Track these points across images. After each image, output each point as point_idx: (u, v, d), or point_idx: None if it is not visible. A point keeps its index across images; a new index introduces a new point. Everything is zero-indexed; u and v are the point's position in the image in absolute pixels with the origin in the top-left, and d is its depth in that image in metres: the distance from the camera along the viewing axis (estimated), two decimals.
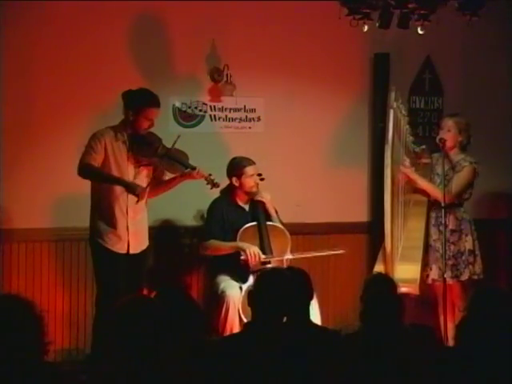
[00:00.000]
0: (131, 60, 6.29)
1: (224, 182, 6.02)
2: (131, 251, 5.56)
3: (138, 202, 5.51)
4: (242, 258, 5.78)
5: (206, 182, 5.73)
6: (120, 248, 5.53)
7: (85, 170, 5.45)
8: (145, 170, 5.61)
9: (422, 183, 6.09)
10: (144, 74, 6.28)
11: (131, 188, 5.50)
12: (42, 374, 2.95)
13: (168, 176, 5.76)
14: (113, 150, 5.50)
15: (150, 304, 3.26)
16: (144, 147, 5.56)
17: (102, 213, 5.53)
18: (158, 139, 5.63)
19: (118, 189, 5.50)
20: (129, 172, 5.55)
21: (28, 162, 6.10)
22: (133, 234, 5.56)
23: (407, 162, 6.07)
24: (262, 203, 6.02)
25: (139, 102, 5.50)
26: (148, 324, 3.12)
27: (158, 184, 5.71)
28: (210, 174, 5.72)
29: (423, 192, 6.17)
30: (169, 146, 5.60)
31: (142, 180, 5.59)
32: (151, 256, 6.28)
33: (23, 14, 6.03)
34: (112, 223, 5.50)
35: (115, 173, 5.51)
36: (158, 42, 6.39)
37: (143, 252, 5.66)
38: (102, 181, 5.51)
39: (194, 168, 5.64)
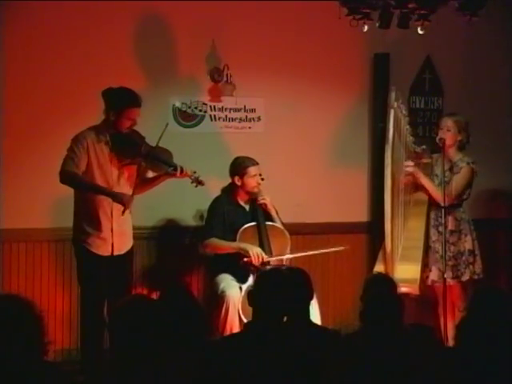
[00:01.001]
0: (131, 60, 6.29)
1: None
2: (115, 252, 5.50)
3: (123, 212, 5.41)
4: (246, 259, 5.77)
5: (190, 181, 5.66)
6: (104, 251, 5.46)
7: (67, 179, 5.36)
8: (128, 169, 5.51)
9: (426, 183, 6.08)
10: (144, 74, 6.28)
11: (118, 198, 5.41)
12: (42, 374, 2.95)
13: (152, 174, 5.67)
14: (95, 151, 5.41)
15: (151, 304, 3.26)
16: (126, 147, 5.45)
17: (86, 216, 5.45)
18: (141, 138, 5.53)
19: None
20: (112, 172, 5.46)
21: (28, 162, 6.10)
22: (117, 235, 5.49)
23: (410, 163, 6.04)
24: (264, 205, 6.02)
25: (120, 102, 5.40)
26: (148, 324, 3.12)
27: (141, 182, 5.58)
28: (195, 172, 5.64)
29: (425, 190, 6.16)
30: (155, 140, 5.50)
31: (126, 180, 5.50)
32: (152, 256, 6.29)
33: (23, 14, 6.03)
34: (96, 226, 5.43)
35: (98, 174, 5.41)
36: (157, 42, 6.39)
37: (128, 252, 5.60)
38: (85, 190, 5.42)
39: (176, 167, 5.53)
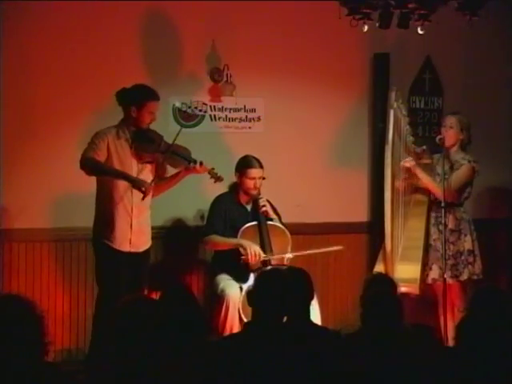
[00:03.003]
0: (131, 60, 6.29)
1: (228, 178, 6.02)
2: (133, 249, 5.55)
3: (144, 198, 5.50)
4: (243, 257, 5.77)
5: (209, 176, 5.73)
6: (124, 246, 5.53)
7: (88, 164, 5.43)
8: (148, 166, 5.61)
9: (424, 179, 6.08)
10: (144, 74, 6.27)
11: (137, 183, 5.49)
12: (42, 374, 2.95)
13: (170, 173, 5.75)
14: (115, 148, 5.50)
15: (151, 304, 3.27)
16: (146, 144, 5.57)
17: (107, 212, 5.52)
18: (160, 136, 5.64)
19: (123, 187, 5.49)
20: (133, 169, 5.55)
21: (28, 161, 6.10)
22: (136, 232, 5.56)
23: (408, 159, 6.04)
24: (265, 212, 6.00)
25: (141, 96, 5.52)
26: (148, 324, 3.12)
27: (161, 181, 5.70)
28: (213, 168, 5.73)
29: (424, 190, 6.16)
30: (170, 142, 5.60)
31: (146, 176, 5.59)
32: (152, 256, 6.29)
33: (23, 14, 6.03)
34: (116, 222, 5.49)
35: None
36: (158, 42, 6.39)
37: (145, 251, 5.66)
38: (105, 174, 5.49)
39: (196, 162, 5.65)
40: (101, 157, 5.46)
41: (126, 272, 5.48)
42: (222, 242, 5.92)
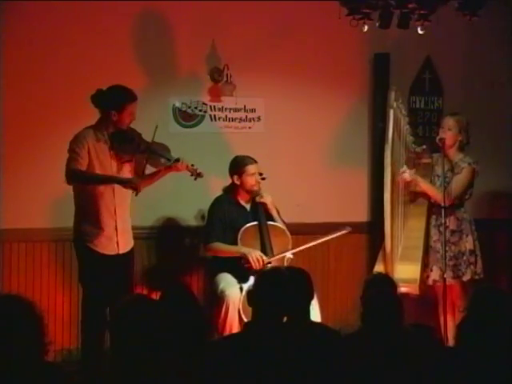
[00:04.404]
0: (131, 60, 6.29)
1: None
2: (121, 251, 5.52)
3: (137, 194, 5.44)
4: (247, 265, 5.76)
5: (190, 174, 5.67)
6: (111, 250, 5.48)
7: (74, 177, 5.37)
8: (127, 165, 5.55)
9: (424, 185, 6.07)
10: (144, 74, 6.28)
11: (128, 182, 5.44)
12: (42, 374, 2.95)
13: (149, 170, 5.67)
14: (95, 150, 5.43)
15: (151, 304, 3.26)
16: (125, 144, 5.50)
17: (89, 215, 5.45)
18: (138, 134, 5.56)
19: (103, 189, 5.44)
20: (112, 169, 5.49)
21: (28, 161, 6.10)
22: (121, 233, 5.52)
23: (406, 169, 5.98)
24: (264, 204, 6.02)
25: (120, 100, 5.43)
26: (148, 324, 3.12)
27: (140, 178, 5.60)
28: (193, 165, 5.65)
29: (424, 195, 6.15)
30: (148, 139, 5.52)
31: (126, 175, 5.52)
32: (152, 256, 6.29)
33: (23, 14, 6.03)
34: (100, 225, 5.44)
35: (99, 172, 5.43)
36: (158, 42, 6.39)
37: (131, 251, 5.63)
38: (94, 183, 5.42)
39: (176, 160, 5.59)
40: (83, 165, 5.37)
41: (113, 274, 5.42)
42: (224, 249, 5.91)
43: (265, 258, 5.79)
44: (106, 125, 5.47)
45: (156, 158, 5.58)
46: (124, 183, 5.44)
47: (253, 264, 5.73)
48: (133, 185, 5.43)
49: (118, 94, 5.45)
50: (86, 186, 5.43)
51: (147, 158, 5.54)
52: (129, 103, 5.44)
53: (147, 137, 5.52)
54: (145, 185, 5.62)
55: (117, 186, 5.45)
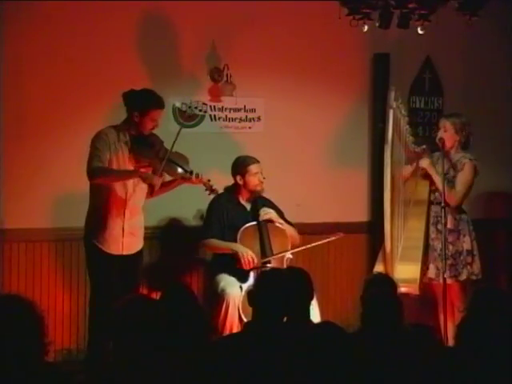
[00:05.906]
0: (131, 60, 6.29)
1: (214, 181, 5.94)
2: (125, 252, 5.53)
3: (154, 191, 5.50)
4: (238, 265, 5.77)
5: (204, 188, 5.72)
6: (115, 249, 5.50)
7: (96, 174, 5.38)
8: (144, 170, 5.57)
9: (437, 179, 6.05)
10: (144, 74, 6.28)
11: (147, 177, 5.47)
12: (42, 374, 2.95)
13: (166, 178, 5.72)
14: (115, 149, 5.46)
15: (151, 304, 3.27)
16: (145, 149, 5.54)
17: (99, 214, 5.49)
18: (160, 141, 5.61)
19: (118, 190, 5.47)
20: None
21: (28, 161, 6.10)
22: (127, 234, 5.53)
23: (407, 168, 6.05)
24: (270, 220, 6.00)
25: (145, 103, 5.47)
26: (148, 324, 3.12)
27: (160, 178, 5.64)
28: (209, 180, 5.71)
29: (425, 190, 6.13)
30: (169, 146, 5.58)
31: (141, 182, 5.55)
32: (152, 255, 6.29)
33: (24, 14, 6.03)
34: (107, 224, 5.47)
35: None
36: (158, 42, 6.39)
37: (138, 252, 5.64)
38: (115, 179, 5.46)
39: (191, 172, 5.62)
40: (104, 162, 5.41)
41: (118, 273, 5.45)
42: (218, 246, 5.93)
43: (256, 260, 5.78)
44: (129, 126, 5.50)
45: (173, 167, 5.60)
46: (144, 178, 5.47)
47: (243, 264, 5.74)
48: (152, 180, 5.46)
49: (146, 97, 5.49)
50: (105, 183, 5.45)
51: (164, 166, 5.54)
52: (153, 109, 5.48)
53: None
54: (159, 192, 5.65)
55: (131, 191, 5.48)
